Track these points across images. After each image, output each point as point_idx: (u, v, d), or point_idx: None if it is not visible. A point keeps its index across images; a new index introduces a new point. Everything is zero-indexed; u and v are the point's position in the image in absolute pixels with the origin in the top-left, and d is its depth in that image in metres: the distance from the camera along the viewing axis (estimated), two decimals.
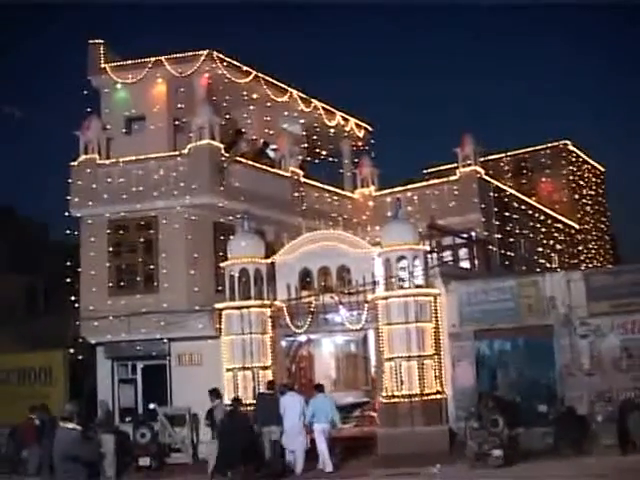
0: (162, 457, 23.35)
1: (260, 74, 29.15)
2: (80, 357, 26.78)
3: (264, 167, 28.33)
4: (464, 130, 31.44)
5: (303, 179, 30.06)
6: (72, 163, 26.29)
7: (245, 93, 28.92)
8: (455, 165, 31.78)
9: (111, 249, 25.83)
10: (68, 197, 25.95)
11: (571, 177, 49.62)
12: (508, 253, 32.80)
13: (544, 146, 49.57)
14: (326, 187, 31.81)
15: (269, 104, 30.02)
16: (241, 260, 23.87)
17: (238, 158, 26.99)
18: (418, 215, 29.09)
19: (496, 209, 31.82)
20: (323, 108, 32.48)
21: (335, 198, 32.16)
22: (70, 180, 26.11)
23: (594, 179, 53.67)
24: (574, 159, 50.73)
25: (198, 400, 23.35)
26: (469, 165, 30.70)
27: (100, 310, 24.64)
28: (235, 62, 28.23)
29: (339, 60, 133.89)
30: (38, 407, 22.55)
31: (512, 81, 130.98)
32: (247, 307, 23.54)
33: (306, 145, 32.78)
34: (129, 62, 27.60)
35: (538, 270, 32.87)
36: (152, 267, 25.57)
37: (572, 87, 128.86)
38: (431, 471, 18.45)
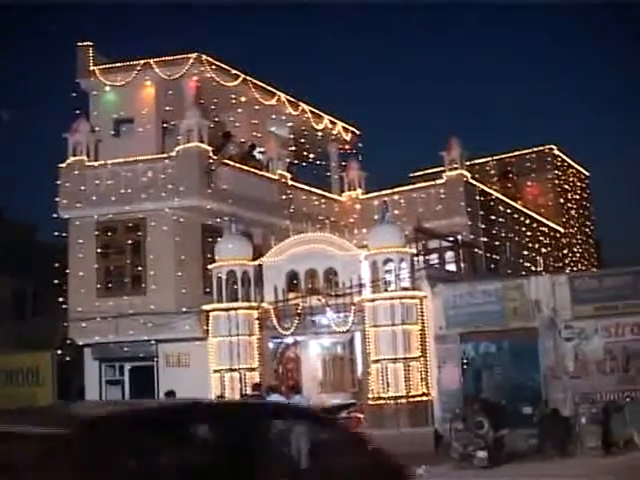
0: None
1: (248, 77, 29.25)
2: (68, 358, 26.82)
3: (252, 170, 28.43)
4: (451, 133, 31.65)
5: (291, 182, 30.16)
6: (60, 165, 26.34)
7: (233, 96, 29.03)
8: (442, 169, 31.92)
9: (99, 251, 25.90)
10: (56, 199, 26.01)
11: (556, 181, 49.83)
12: (494, 256, 32.99)
13: (529, 150, 49.76)
14: (313, 190, 31.91)
15: (257, 107, 30.13)
16: (229, 262, 23.98)
17: (226, 161, 27.09)
18: (405, 218, 29.18)
19: (482, 212, 31.99)
20: (311, 111, 32.60)
21: (322, 201, 32.26)
22: (58, 182, 26.16)
23: (579, 183, 53.93)
24: (559, 163, 50.96)
25: None
26: (455, 169, 30.84)
27: (88, 311, 24.69)
28: (223, 65, 28.33)
29: (326, 62, 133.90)
30: None
31: (499, 84, 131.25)
32: (234, 309, 23.66)
33: (294, 148, 32.88)
34: (118, 65, 27.66)
35: (523, 273, 32.99)
36: (140, 269, 25.65)
37: (558, 89, 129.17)
38: (417, 472, 18.53)
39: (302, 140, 33.27)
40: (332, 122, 33.89)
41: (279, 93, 30.77)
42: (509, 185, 47.85)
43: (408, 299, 22.91)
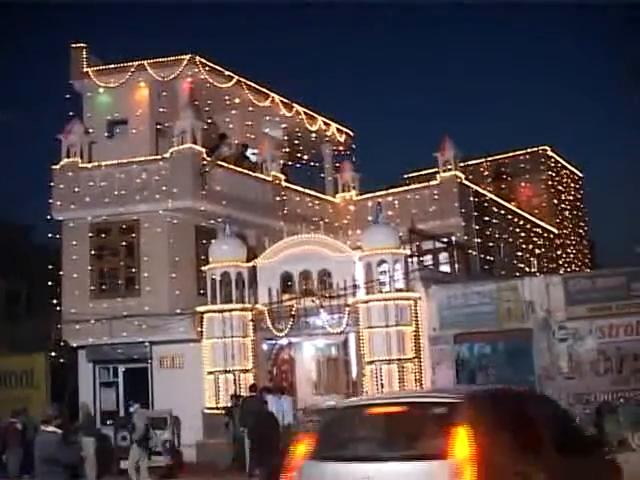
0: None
1: (242, 79, 29.26)
2: (62, 360, 26.80)
3: (246, 171, 28.43)
4: (444, 134, 31.65)
5: (285, 183, 30.16)
6: (54, 167, 26.32)
7: (227, 97, 29.05)
8: (435, 170, 31.93)
9: (93, 252, 25.87)
10: (50, 200, 25.98)
11: (550, 182, 49.86)
12: (488, 257, 32.99)
13: (523, 151, 49.80)
14: (307, 191, 31.94)
15: (251, 108, 30.14)
16: (223, 264, 23.99)
17: (220, 162, 27.09)
18: (399, 219, 29.20)
19: (476, 213, 31.99)
20: (305, 113, 32.62)
21: (316, 202, 32.29)
22: (52, 183, 26.13)
23: (573, 184, 53.99)
24: (553, 164, 51.00)
25: (179, 403, 23.50)
26: (449, 170, 30.85)
27: (82, 313, 24.68)
28: (217, 66, 28.33)
29: (320, 63, 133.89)
30: (20, 411, 22.55)
31: (495, 84, 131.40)
32: (228, 310, 23.68)
33: (288, 149, 32.90)
34: (111, 66, 27.66)
35: (517, 274, 32.99)
36: (134, 270, 25.64)
37: (553, 90, 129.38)
38: None
39: (296, 141, 33.30)
40: (326, 123, 33.91)
41: (273, 94, 30.78)
42: (503, 186, 47.84)
43: (402, 300, 22.93)
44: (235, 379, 23.42)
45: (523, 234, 38.63)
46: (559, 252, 45.98)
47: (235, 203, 26.45)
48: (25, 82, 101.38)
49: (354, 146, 35.43)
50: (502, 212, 36.10)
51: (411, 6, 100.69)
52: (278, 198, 29.40)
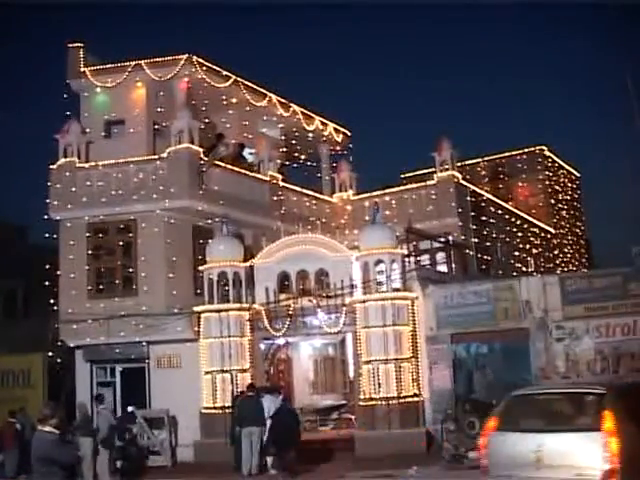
0: (141, 460, 23.36)
1: (239, 78, 29.24)
2: (59, 360, 26.81)
3: (243, 171, 28.42)
4: (442, 134, 31.69)
5: (282, 183, 30.15)
6: (51, 166, 26.28)
7: (224, 97, 29.04)
8: (432, 170, 31.98)
9: (90, 252, 25.82)
10: (47, 200, 25.93)
11: (547, 182, 49.97)
12: (485, 257, 33.03)
13: (520, 151, 49.90)
14: (305, 191, 31.93)
15: (248, 108, 30.12)
16: (220, 263, 24.00)
17: (217, 162, 27.08)
18: (396, 219, 29.20)
19: (473, 213, 32.02)
20: (302, 112, 32.60)
21: (313, 202, 32.28)
22: (49, 183, 26.07)
23: (570, 184, 54.10)
24: (550, 164, 51.10)
25: (177, 403, 23.51)
26: (446, 170, 30.88)
27: (79, 313, 24.64)
28: (215, 66, 28.31)
29: (318, 63, 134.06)
30: (18, 411, 22.55)
31: (490, 84, 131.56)
32: (226, 310, 23.69)
33: (285, 149, 32.89)
34: (109, 66, 27.59)
35: (514, 274, 33.05)
36: (131, 270, 25.60)
37: (550, 89, 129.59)
38: (408, 473, 18.62)
39: (293, 141, 33.29)
40: (323, 123, 33.91)
41: (270, 94, 30.77)
42: (500, 186, 47.95)
43: (399, 300, 22.96)
44: (232, 379, 23.42)
45: (520, 234, 38.68)
46: (556, 252, 46.05)
47: (232, 203, 26.43)
48: (22, 82, 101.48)
49: (351, 146, 35.43)
50: (499, 212, 36.13)
51: (410, 6, 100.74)
52: (275, 198, 29.40)
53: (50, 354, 26.91)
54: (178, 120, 25.91)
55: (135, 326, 24.44)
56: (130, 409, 24.50)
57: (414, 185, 33.18)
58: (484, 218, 33.35)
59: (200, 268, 24.58)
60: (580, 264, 50.62)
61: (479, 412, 19.90)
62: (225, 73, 28.69)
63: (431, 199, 31.17)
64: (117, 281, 25.78)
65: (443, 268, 29.83)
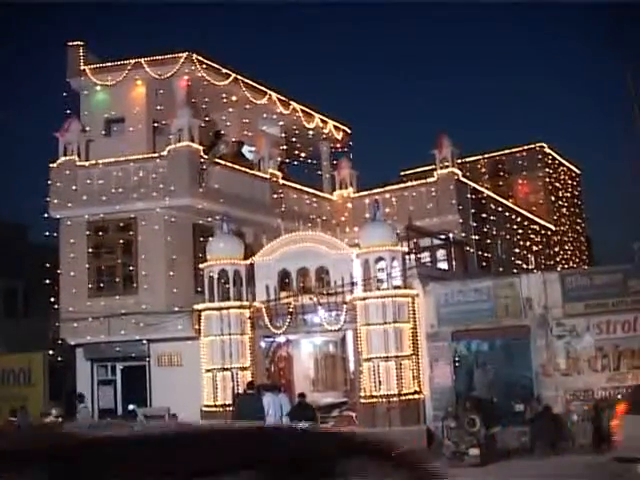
0: None
1: (239, 76, 29.24)
2: (60, 358, 26.80)
3: (243, 169, 28.42)
4: (441, 131, 31.66)
5: (282, 181, 30.16)
6: (51, 165, 26.29)
7: (224, 95, 29.05)
8: (433, 167, 31.96)
9: (90, 250, 25.85)
10: (47, 199, 25.96)
11: (547, 179, 49.90)
12: (485, 254, 33.01)
13: (520, 148, 49.83)
14: (305, 189, 31.94)
15: (248, 106, 30.13)
16: (220, 261, 23.98)
17: (217, 160, 27.08)
18: (396, 217, 29.21)
19: (473, 211, 32.01)
20: (302, 110, 32.60)
21: (314, 200, 32.28)
22: (49, 182, 26.11)
23: (570, 181, 54.03)
24: (550, 161, 51.04)
25: (177, 401, 23.49)
26: (446, 167, 30.87)
27: (80, 311, 24.66)
28: (214, 64, 28.31)
29: (318, 61, 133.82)
30: (19, 409, 22.56)
31: (490, 81, 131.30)
32: (226, 308, 23.66)
33: (285, 147, 32.91)
34: (108, 64, 27.63)
35: (515, 271, 33.03)
36: (131, 268, 25.63)
37: (550, 87, 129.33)
38: None
39: (293, 139, 33.30)
40: (323, 121, 33.91)
41: (270, 92, 30.77)
42: (500, 183, 47.88)
43: (400, 297, 22.94)
44: (233, 377, 23.41)
45: (520, 231, 38.64)
46: (556, 249, 46.02)
47: (232, 201, 26.44)
48: (22, 80, 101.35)
49: (351, 143, 35.48)
50: (499, 209, 36.11)
51: (410, 5, 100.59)
52: (275, 196, 29.40)
53: (51, 352, 26.91)
54: (178, 118, 25.91)
55: (136, 324, 24.47)
56: (131, 407, 24.47)
57: (414, 182, 33.19)
58: (484, 215, 33.33)
59: (200, 266, 24.56)
60: (580, 261, 50.57)
61: (480, 409, 19.98)
62: (225, 71, 28.71)
63: (431, 196, 31.16)
64: (117, 279, 25.80)
65: (443, 265, 29.84)
